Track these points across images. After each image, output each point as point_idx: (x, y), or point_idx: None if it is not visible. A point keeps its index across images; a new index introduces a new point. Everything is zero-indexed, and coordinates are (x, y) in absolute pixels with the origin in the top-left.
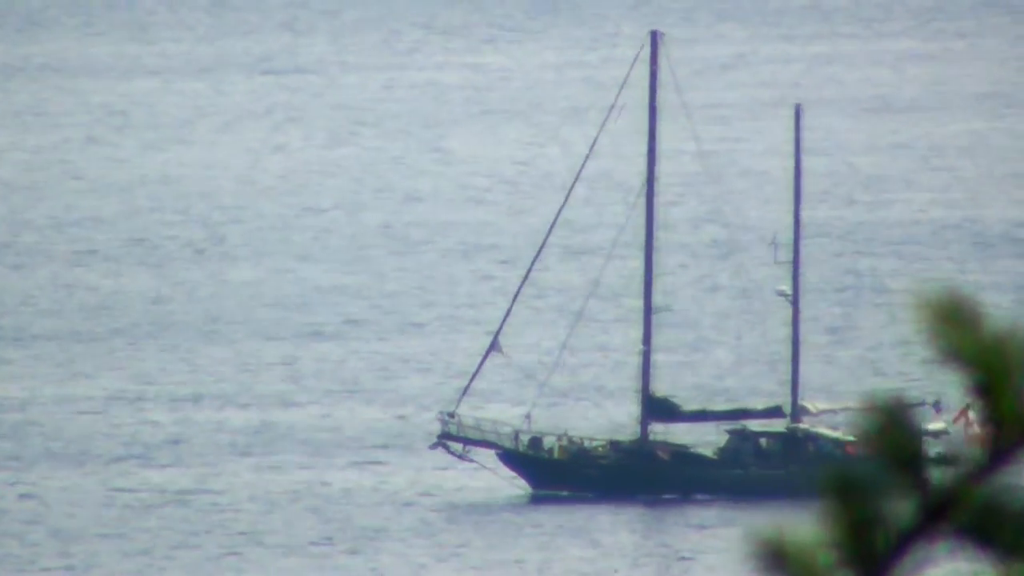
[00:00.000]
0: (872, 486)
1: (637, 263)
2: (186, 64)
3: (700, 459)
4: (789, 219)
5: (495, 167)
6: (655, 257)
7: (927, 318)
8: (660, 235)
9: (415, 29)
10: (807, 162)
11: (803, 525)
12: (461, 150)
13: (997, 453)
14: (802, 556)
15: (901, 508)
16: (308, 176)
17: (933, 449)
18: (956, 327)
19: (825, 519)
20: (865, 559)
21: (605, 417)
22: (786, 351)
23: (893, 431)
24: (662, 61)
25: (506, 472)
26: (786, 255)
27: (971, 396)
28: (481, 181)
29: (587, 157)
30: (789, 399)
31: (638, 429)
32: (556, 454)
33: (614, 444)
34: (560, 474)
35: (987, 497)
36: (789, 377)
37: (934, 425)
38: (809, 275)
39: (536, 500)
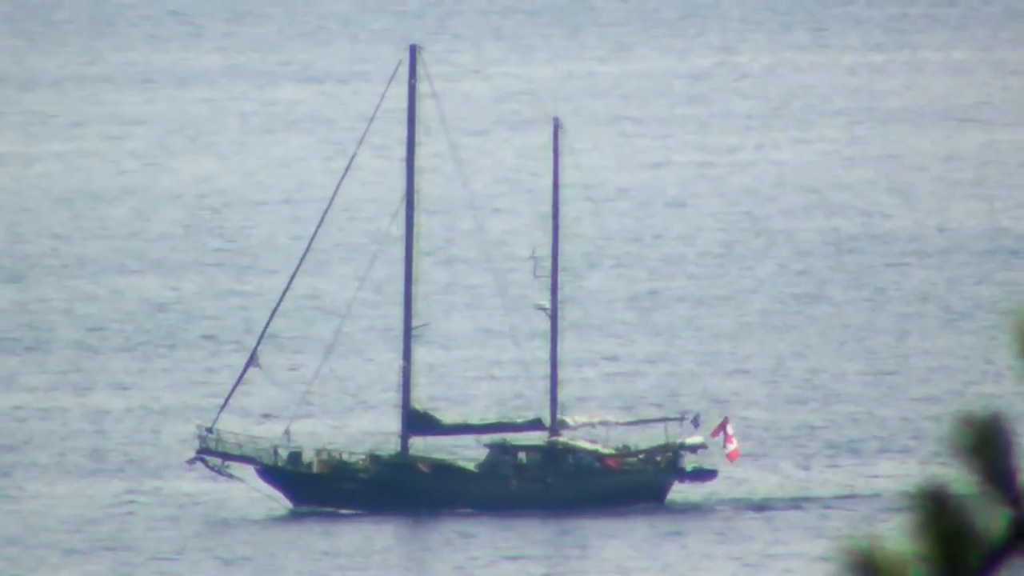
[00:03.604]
0: (964, 501)
1: (396, 278)
2: (199, 72)
3: (460, 472)
4: (548, 233)
5: (256, 182)
6: (414, 272)
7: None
8: (419, 250)
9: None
10: (567, 176)
11: (894, 538)
12: (228, 165)
13: None
14: (893, 569)
15: (992, 523)
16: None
17: (691, 464)
18: None
19: (916, 533)
20: (956, 573)
21: (365, 431)
22: (545, 365)
23: (987, 448)
24: (421, 75)
25: (265, 487)
26: (545, 269)
27: None
28: (247, 196)
29: (346, 171)
30: (549, 412)
31: (398, 443)
32: (315, 468)
33: (374, 458)
34: (320, 489)
35: None
36: (548, 390)
37: (692, 439)
38: (567, 288)
39: (295, 516)
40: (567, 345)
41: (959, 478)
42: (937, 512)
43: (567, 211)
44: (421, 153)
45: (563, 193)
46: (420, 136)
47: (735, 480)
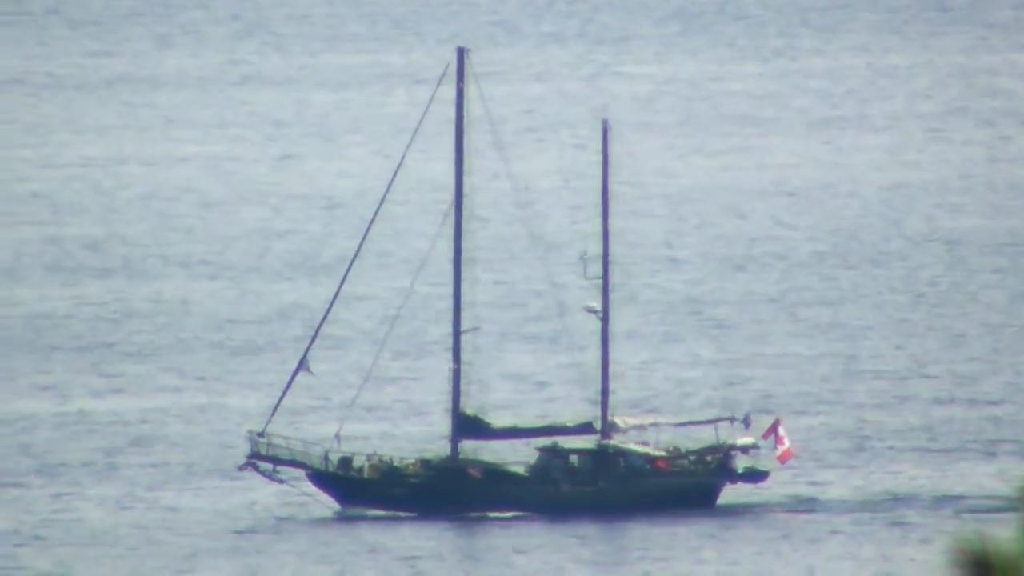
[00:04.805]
0: None
1: (446, 281)
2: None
3: (511, 476)
4: (598, 235)
5: (306, 187)
6: (464, 274)
7: None
8: (469, 252)
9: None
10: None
11: (1008, 536)
12: (272, 171)
13: None
14: (1007, 566)
15: None
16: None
17: (743, 464)
18: None
19: None
20: None
21: (415, 435)
22: (596, 367)
23: None
24: (469, 77)
25: (316, 492)
26: (596, 271)
27: None
28: (293, 201)
29: (394, 175)
30: (599, 415)
31: (448, 447)
32: (366, 473)
33: (424, 462)
34: (370, 493)
35: None
36: (599, 393)
37: (743, 440)
38: (618, 291)
39: (346, 519)
40: (618, 347)
41: None
42: None
43: (681, 211)
44: (470, 156)
45: (698, 195)
46: (469, 138)
47: (850, 477)
